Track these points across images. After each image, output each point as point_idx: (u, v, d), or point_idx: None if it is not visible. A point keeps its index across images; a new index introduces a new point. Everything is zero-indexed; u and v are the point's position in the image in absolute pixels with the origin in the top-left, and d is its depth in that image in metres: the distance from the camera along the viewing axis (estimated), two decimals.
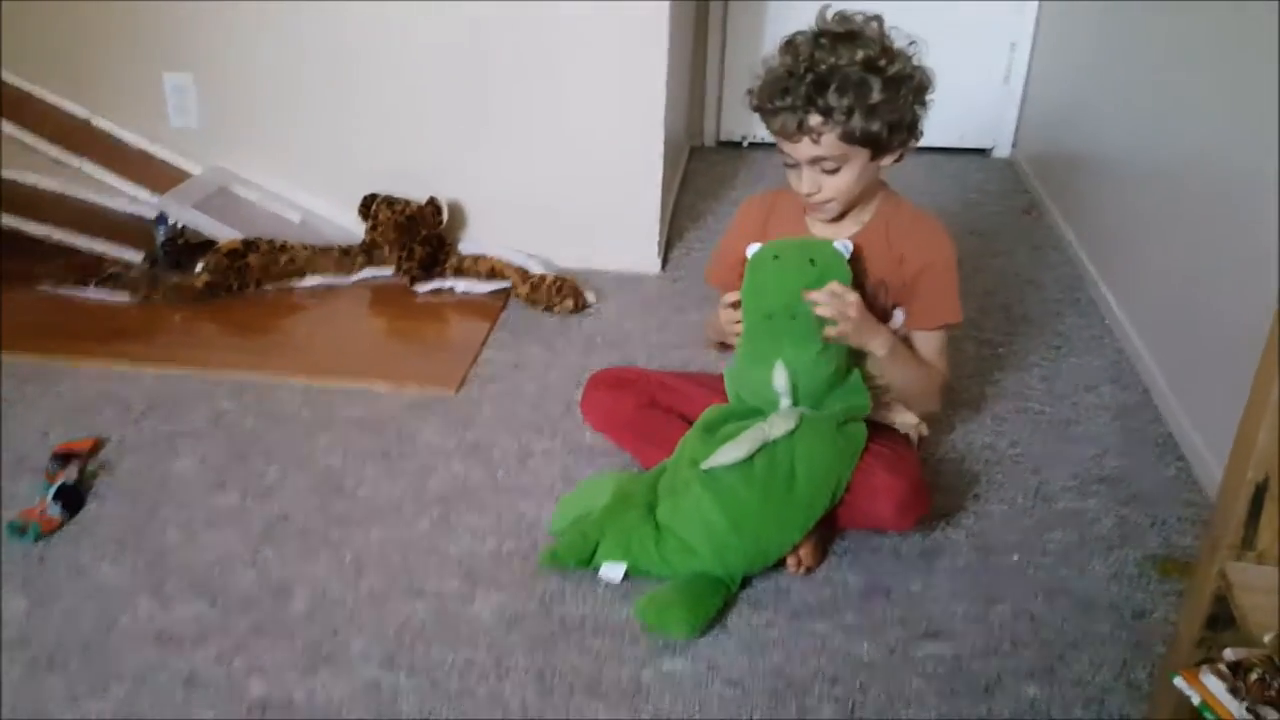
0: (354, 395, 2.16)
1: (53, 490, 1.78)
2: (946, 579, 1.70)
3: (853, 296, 1.62)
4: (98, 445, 1.97)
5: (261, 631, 1.56)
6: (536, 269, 2.61)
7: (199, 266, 2.53)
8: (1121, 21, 2.73)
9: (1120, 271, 2.53)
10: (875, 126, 1.55)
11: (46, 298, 2.49)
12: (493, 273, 2.59)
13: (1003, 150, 3.70)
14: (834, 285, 1.61)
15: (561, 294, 2.51)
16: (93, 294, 2.49)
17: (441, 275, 2.61)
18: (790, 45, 1.59)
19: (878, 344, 1.68)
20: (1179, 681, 1.05)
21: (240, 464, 1.94)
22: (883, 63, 1.54)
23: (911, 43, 1.61)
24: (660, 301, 2.59)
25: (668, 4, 2.47)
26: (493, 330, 2.44)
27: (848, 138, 1.56)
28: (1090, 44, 2.99)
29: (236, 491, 1.86)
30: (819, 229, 1.75)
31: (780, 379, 1.64)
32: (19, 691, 1.44)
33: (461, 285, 2.59)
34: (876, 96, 1.53)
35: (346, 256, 2.64)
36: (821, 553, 1.70)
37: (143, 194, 2.60)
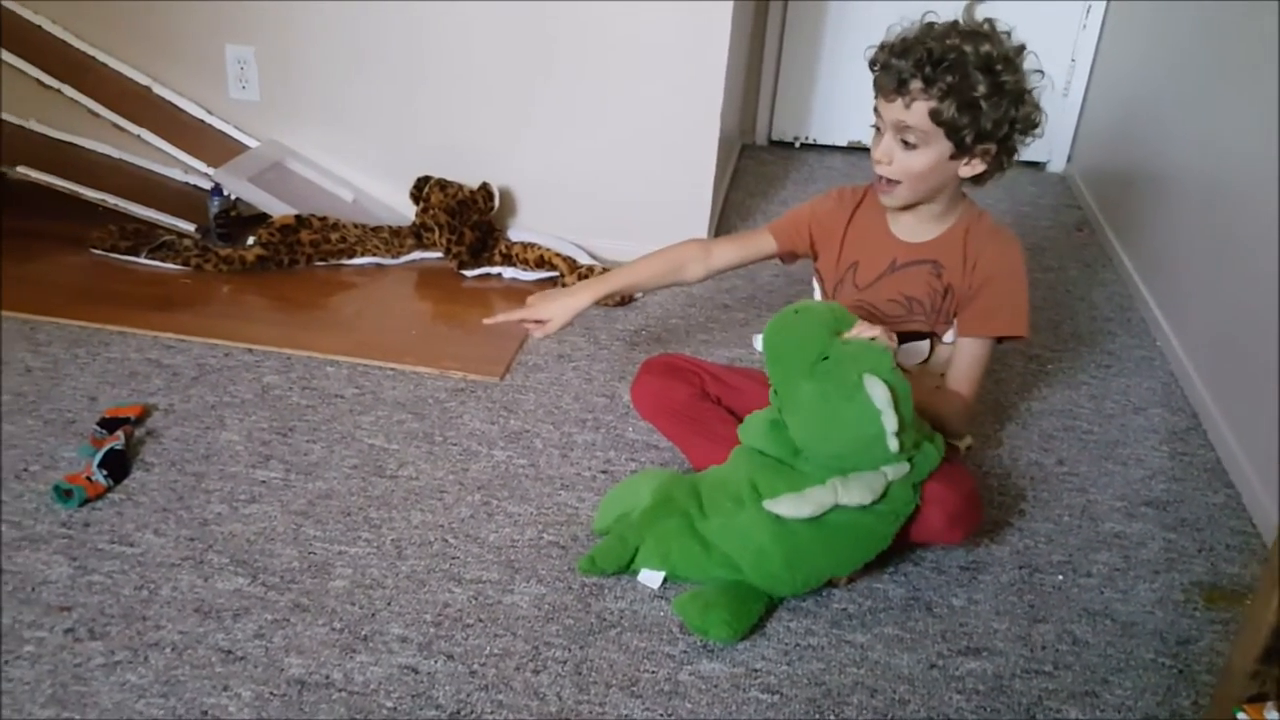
0: (399, 376, 2.16)
1: (99, 456, 1.79)
2: (989, 595, 1.68)
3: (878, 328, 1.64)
4: (145, 412, 1.98)
5: (301, 609, 1.56)
6: (585, 259, 2.61)
7: (251, 240, 2.54)
8: (1183, 41, 2.69)
9: (1172, 293, 2.50)
10: (966, 119, 1.56)
11: (98, 263, 2.52)
12: (541, 261, 2.59)
13: (1057, 164, 3.66)
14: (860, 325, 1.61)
15: None
16: (144, 262, 2.51)
17: (490, 261, 2.61)
18: (927, 23, 1.61)
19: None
20: (1243, 717, 1.03)
21: (284, 439, 1.94)
22: (999, 68, 1.56)
23: (1039, 71, 1.63)
24: (707, 299, 2.58)
25: (732, 3, 2.46)
26: None
27: (936, 116, 1.57)
28: (1151, 62, 2.95)
29: (280, 466, 1.87)
30: (900, 228, 1.75)
31: (879, 392, 1.49)
32: (58, 657, 1.46)
33: (509, 272, 2.60)
34: (979, 91, 1.55)
35: (396, 237, 2.65)
36: (865, 565, 1.69)
37: (199, 165, 2.61)
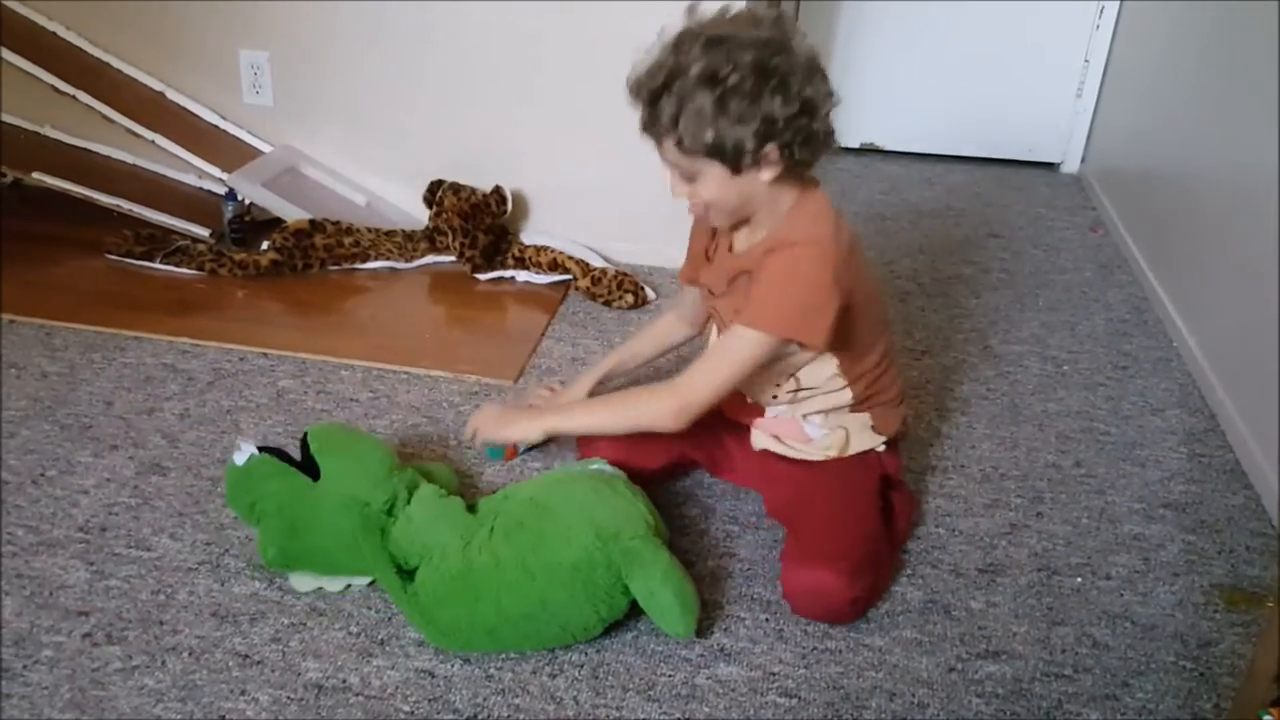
0: (414, 380, 2.16)
1: None
2: (1008, 598, 1.67)
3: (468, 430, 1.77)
4: None
5: (318, 613, 1.56)
6: (597, 262, 2.61)
7: (265, 244, 2.55)
8: (1197, 41, 2.68)
9: (1189, 294, 2.48)
10: (707, 138, 1.43)
11: (114, 268, 2.52)
12: (555, 264, 2.59)
13: (1071, 165, 3.65)
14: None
15: (622, 289, 2.51)
16: (159, 267, 2.52)
17: (503, 264, 2.61)
18: (663, 41, 1.49)
19: (527, 431, 1.71)
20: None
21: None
22: (724, 72, 1.40)
23: (811, 57, 1.48)
24: None
25: (744, 4, 2.45)
26: (552, 322, 2.44)
27: (682, 148, 1.47)
28: (1165, 63, 2.94)
29: None
30: (736, 240, 1.66)
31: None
32: (76, 662, 1.46)
33: (523, 275, 2.60)
34: (707, 110, 1.41)
35: (410, 241, 2.65)
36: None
37: (213, 170, 2.62)
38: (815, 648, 1.55)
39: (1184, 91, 2.75)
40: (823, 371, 1.66)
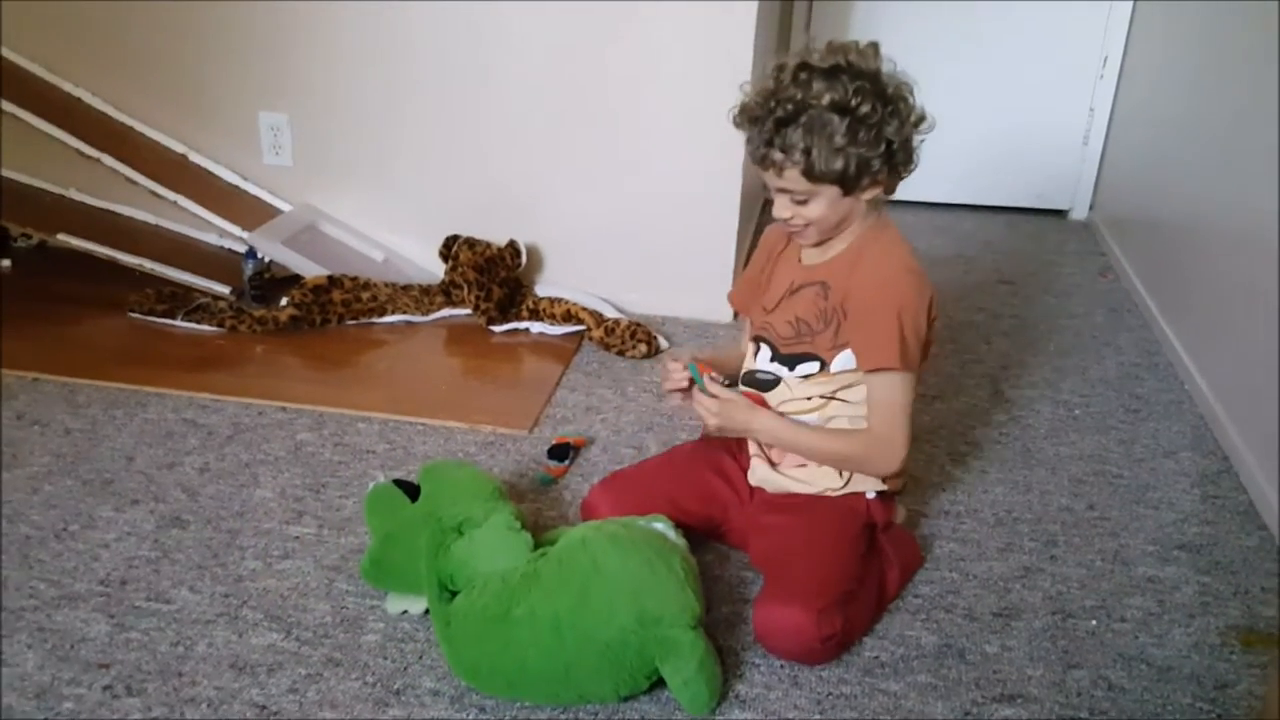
0: (430, 431, 2.19)
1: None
2: (1023, 642, 1.67)
3: (708, 401, 1.70)
4: (586, 443, 2.17)
5: (334, 663, 1.57)
6: (611, 313, 2.64)
7: (284, 300, 2.59)
8: (1200, 88, 2.71)
9: (1200, 336, 2.49)
10: (838, 165, 1.52)
11: (136, 325, 2.57)
12: (568, 316, 2.62)
13: (1080, 212, 3.67)
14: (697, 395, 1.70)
15: (635, 339, 2.53)
16: (181, 324, 2.56)
17: (518, 316, 2.65)
18: (774, 72, 1.56)
19: (757, 428, 1.72)
20: None
21: (317, 495, 1.97)
22: (854, 102, 1.50)
23: (904, 83, 1.58)
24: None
25: (751, 56, 2.50)
26: (566, 372, 2.47)
27: (809, 175, 1.54)
28: (1171, 109, 2.97)
29: (313, 522, 1.89)
30: (807, 253, 1.72)
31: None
32: (97, 714, 1.47)
33: (537, 327, 2.63)
34: (840, 138, 1.50)
35: (426, 295, 2.69)
36: None
37: (233, 229, 2.67)
38: (830, 693, 1.56)
39: (1189, 138, 2.77)
40: (858, 393, 1.70)
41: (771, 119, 1.53)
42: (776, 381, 1.73)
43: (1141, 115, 3.26)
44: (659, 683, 1.51)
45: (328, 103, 2.75)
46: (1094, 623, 1.71)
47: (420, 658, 1.59)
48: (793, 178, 1.55)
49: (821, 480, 1.73)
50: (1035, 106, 3.55)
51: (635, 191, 2.70)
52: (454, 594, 1.56)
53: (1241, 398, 2.21)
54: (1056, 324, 2.82)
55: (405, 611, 1.66)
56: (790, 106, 1.51)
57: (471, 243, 2.64)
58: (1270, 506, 1.98)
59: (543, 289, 2.77)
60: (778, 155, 1.54)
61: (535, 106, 2.66)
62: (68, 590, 1.70)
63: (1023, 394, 2.44)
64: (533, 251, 2.78)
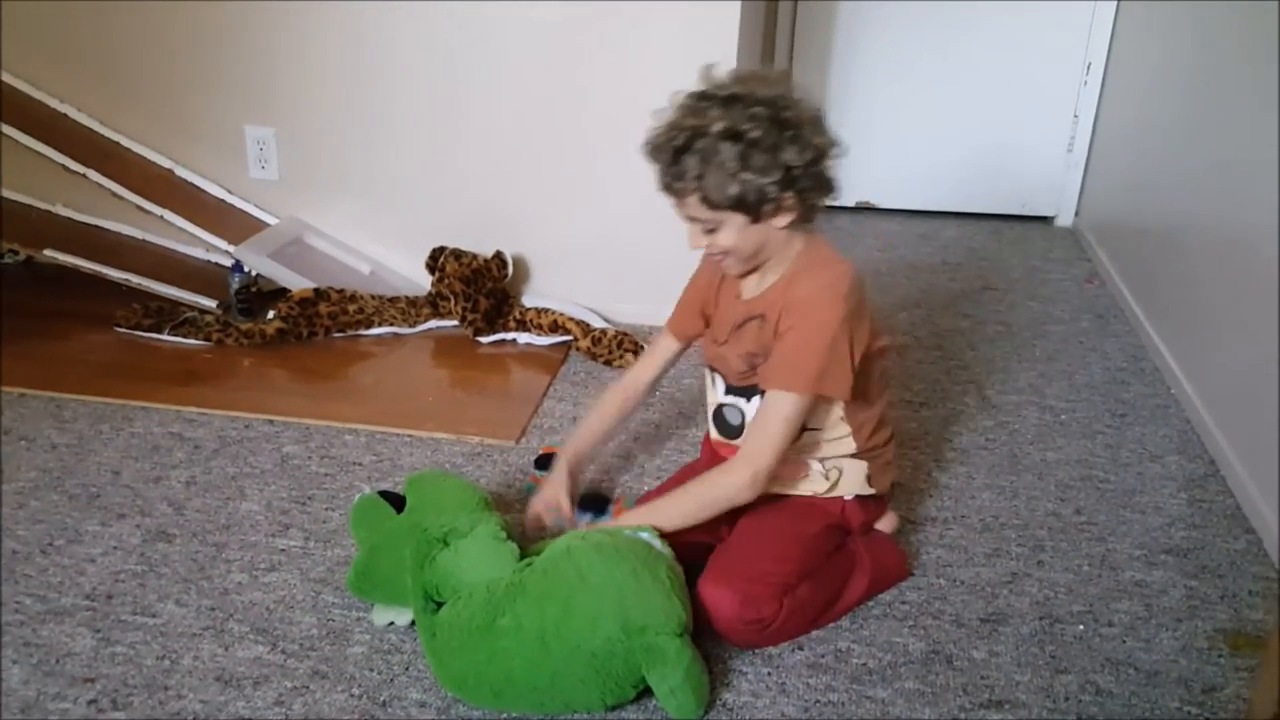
0: (416, 443, 2.19)
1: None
2: (1010, 647, 1.67)
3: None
4: None
5: (320, 676, 1.57)
6: (598, 323, 2.64)
7: (270, 313, 2.59)
8: (1183, 94, 2.72)
9: (1186, 342, 2.50)
10: (732, 191, 1.50)
11: (123, 340, 2.57)
12: (555, 326, 2.62)
13: (1065, 219, 3.69)
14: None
15: (622, 348, 2.54)
16: (167, 338, 2.56)
17: (505, 327, 2.65)
18: (677, 102, 1.56)
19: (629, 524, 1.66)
20: None
21: (303, 508, 1.97)
22: (745, 128, 1.48)
23: (811, 109, 1.56)
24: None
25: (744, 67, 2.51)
26: (553, 382, 2.47)
27: (707, 202, 1.53)
28: (1155, 115, 2.99)
29: (300, 534, 1.89)
30: (745, 286, 1.71)
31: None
32: None
33: (524, 337, 2.63)
34: (731, 164, 1.48)
35: (413, 307, 2.69)
36: None
37: (220, 243, 2.67)
38: (818, 700, 1.55)
39: (1173, 144, 2.79)
40: (829, 415, 1.69)
41: (670, 148, 1.52)
42: (742, 425, 1.73)
43: (1126, 122, 3.28)
44: (646, 691, 1.50)
45: (313, 116, 2.76)
46: (1081, 627, 1.72)
47: (407, 669, 1.58)
48: (694, 206, 1.55)
49: (806, 486, 1.74)
50: (1020, 113, 3.57)
51: (620, 201, 2.70)
52: (440, 605, 1.56)
53: (1227, 402, 2.22)
54: (1042, 330, 2.83)
55: (392, 623, 1.66)
56: (686, 135, 1.51)
57: (458, 254, 2.65)
58: (1257, 510, 1.99)
59: (529, 299, 2.77)
60: (677, 184, 1.54)
61: (520, 117, 2.66)
62: (53, 605, 1.70)
63: (1009, 400, 2.45)
64: (519, 262, 2.78)
